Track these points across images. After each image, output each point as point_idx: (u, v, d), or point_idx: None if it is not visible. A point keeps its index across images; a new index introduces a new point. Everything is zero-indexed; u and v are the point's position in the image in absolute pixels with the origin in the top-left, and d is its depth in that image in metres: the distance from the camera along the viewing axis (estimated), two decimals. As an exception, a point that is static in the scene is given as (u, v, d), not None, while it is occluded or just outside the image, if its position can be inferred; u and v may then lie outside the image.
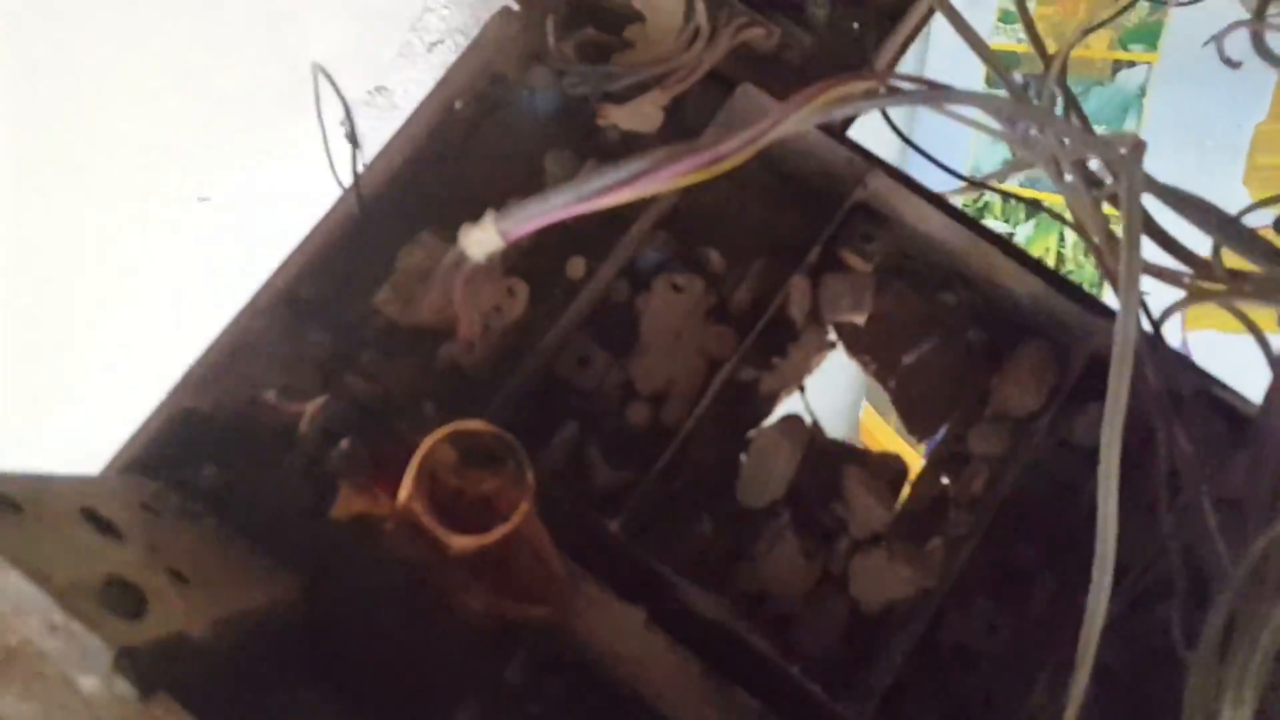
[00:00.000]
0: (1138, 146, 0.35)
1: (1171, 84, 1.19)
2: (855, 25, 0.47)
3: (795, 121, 0.33)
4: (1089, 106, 1.25)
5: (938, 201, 0.41)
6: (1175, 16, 1.20)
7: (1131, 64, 1.22)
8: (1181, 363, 0.42)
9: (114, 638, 0.23)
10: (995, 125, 0.39)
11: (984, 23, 1.37)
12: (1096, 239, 0.39)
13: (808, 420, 0.40)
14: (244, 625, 0.33)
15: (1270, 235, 0.36)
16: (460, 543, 0.32)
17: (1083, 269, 1.23)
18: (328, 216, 0.39)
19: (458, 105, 0.42)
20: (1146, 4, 1.21)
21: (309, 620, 0.34)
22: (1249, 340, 0.39)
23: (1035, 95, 0.44)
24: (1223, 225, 0.35)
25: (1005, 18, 1.33)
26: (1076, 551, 0.34)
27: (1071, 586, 0.39)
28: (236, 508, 0.34)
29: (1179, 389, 0.41)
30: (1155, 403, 0.40)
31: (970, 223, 0.41)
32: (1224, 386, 0.42)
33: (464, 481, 0.34)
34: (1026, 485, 0.40)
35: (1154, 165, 0.34)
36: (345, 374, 0.37)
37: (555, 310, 0.39)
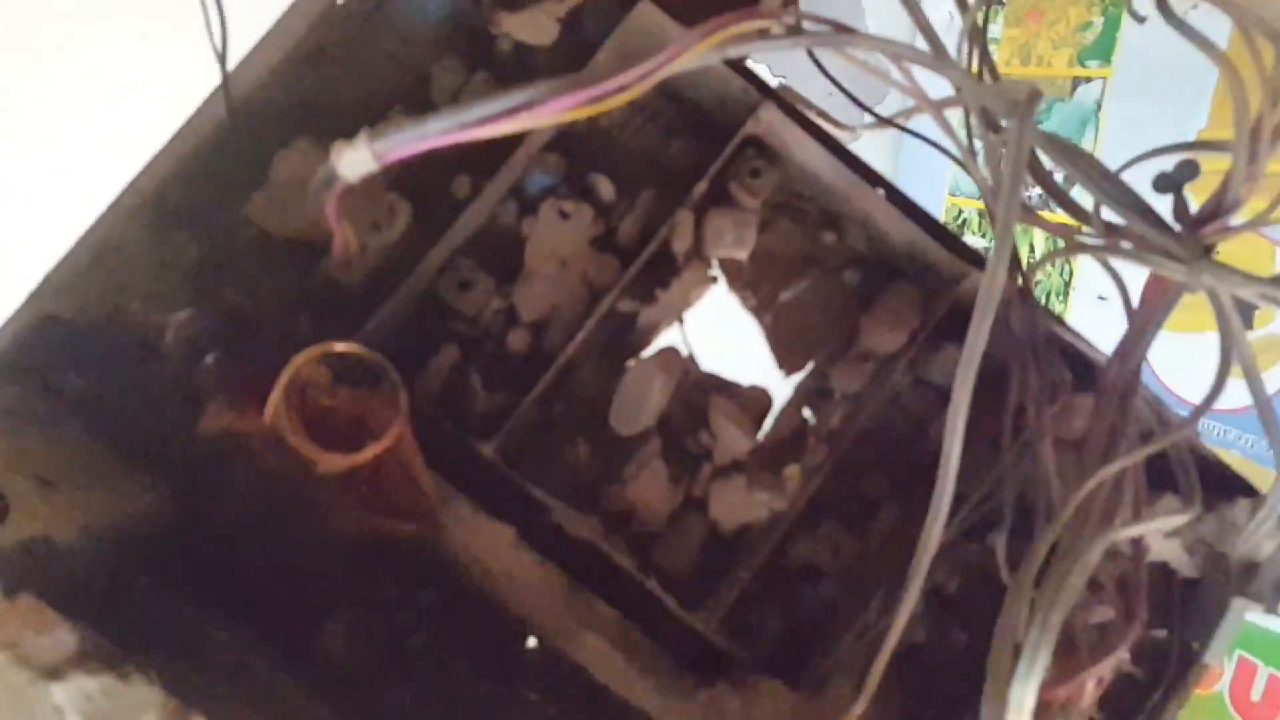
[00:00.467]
0: (1033, 96, 0.36)
1: (1124, 97, 1.24)
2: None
3: (691, 58, 0.32)
4: (1051, 122, 1.30)
5: (826, 140, 0.42)
6: (1126, 34, 1.25)
7: (1088, 80, 1.27)
8: (1042, 313, 0.44)
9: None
10: (900, 78, 0.39)
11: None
12: (991, 186, 0.40)
13: (684, 353, 0.42)
14: (115, 532, 0.33)
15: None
16: (329, 461, 0.33)
17: (1050, 278, 1.30)
18: (198, 114, 0.37)
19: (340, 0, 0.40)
20: (1101, 22, 1.25)
21: (182, 530, 0.34)
22: (1196, 337, 0.41)
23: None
24: (1101, 180, 0.37)
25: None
26: (920, 482, 0.37)
27: (912, 514, 0.43)
28: (104, 417, 0.34)
29: (1036, 337, 0.43)
30: (1014, 348, 0.43)
31: (855, 164, 0.42)
32: (1077, 335, 0.45)
33: (336, 401, 0.35)
34: (881, 419, 0.42)
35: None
36: (219, 285, 0.37)
37: (438, 230, 0.38)
